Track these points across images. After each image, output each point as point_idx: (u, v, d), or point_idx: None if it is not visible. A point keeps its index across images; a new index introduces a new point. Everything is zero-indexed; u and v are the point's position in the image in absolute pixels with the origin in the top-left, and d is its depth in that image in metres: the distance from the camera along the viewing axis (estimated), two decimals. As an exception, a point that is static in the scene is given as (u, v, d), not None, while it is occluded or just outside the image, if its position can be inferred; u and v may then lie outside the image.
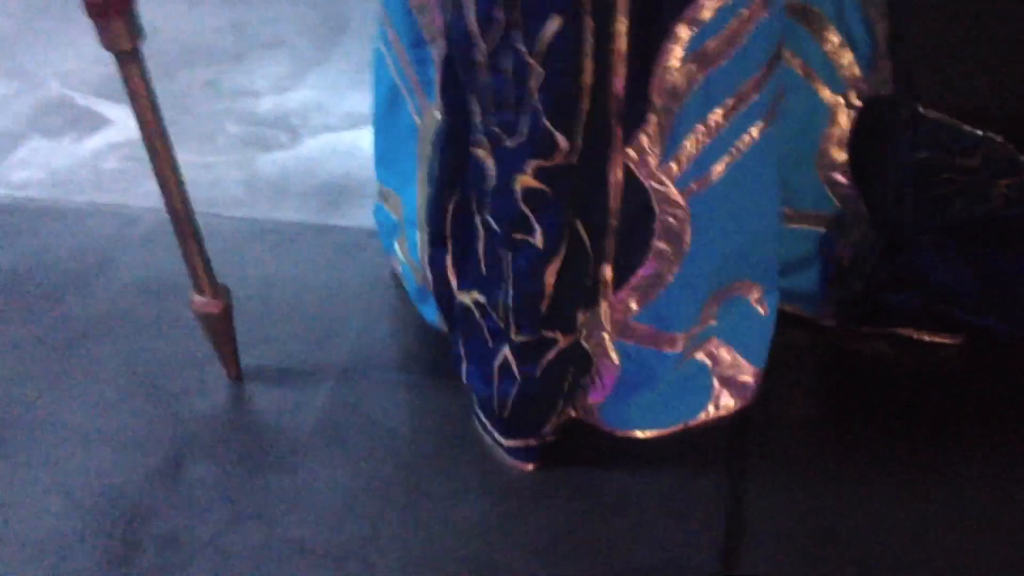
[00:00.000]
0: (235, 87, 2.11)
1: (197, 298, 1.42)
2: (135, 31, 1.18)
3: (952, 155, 1.60)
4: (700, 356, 1.36)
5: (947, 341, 1.47)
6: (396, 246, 1.56)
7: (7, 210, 1.82)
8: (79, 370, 1.53)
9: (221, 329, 1.45)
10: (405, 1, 1.26)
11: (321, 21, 2.28)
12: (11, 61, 2.21)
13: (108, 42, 1.18)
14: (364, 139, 1.95)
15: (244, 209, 1.81)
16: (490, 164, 1.16)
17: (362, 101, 2.04)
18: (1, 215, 1.81)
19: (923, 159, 1.50)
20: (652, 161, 1.17)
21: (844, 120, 1.32)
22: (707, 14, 1.07)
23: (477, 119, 1.15)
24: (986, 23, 1.79)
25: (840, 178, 1.37)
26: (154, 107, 1.24)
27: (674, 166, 1.18)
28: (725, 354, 1.36)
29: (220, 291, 1.42)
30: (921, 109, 1.57)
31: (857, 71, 1.29)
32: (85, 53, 2.17)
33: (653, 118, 1.14)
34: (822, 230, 1.43)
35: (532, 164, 1.13)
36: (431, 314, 1.48)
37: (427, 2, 1.21)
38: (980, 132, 1.64)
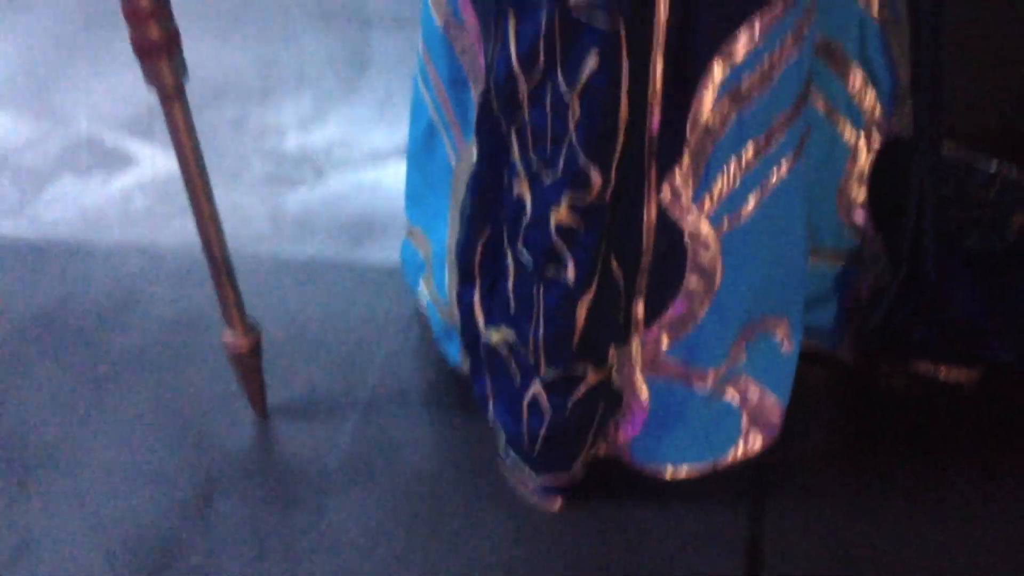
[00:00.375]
0: (261, 124, 2.14)
1: (228, 334, 1.43)
2: (179, 70, 1.20)
3: (968, 187, 1.60)
4: (730, 394, 1.36)
5: (963, 379, 1.47)
6: (421, 284, 1.57)
7: (38, 249, 1.85)
8: (109, 407, 1.55)
9: (250, 365, 1.46)
10: (446, 40, 1.28)
11: (345, 57, 2.31)
12: (42, 100, 2.25)
13: (153, 81, 1.20)
14: (388, 175, 1.97)
15: (270, 245, 1.84)
16: (527, 198, 1.18)
17: (385, 137, 2.07)
18: (32, 254, 1.83)
19: (940, 193, 1.50)
20: (685, 199, 1.18)
21: (864, 159, 1.33)
22: (741, 52, 1.09)
23: (516, 155, 1.17)
24: (1004, 46, 1.80)
25: (859, 216, 1.38)
26: (195, 145, 1.26)
27: (706, 203, 1.19)
28: (753, 391, 1.36)
29: (251, 327, 1.44)
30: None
31: (879, 110, 1.30)
32: (115, 92, 2.20)
33: (687, 156, 1.15)
34: (840, 267, 1.44)
35: (567, 199, 1.15)
36: (454, 354, 1.49)
37: (469, 42, 1.24)
38: (995, 162, 1.64)
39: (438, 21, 1.29)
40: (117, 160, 2.07)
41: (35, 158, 2.09)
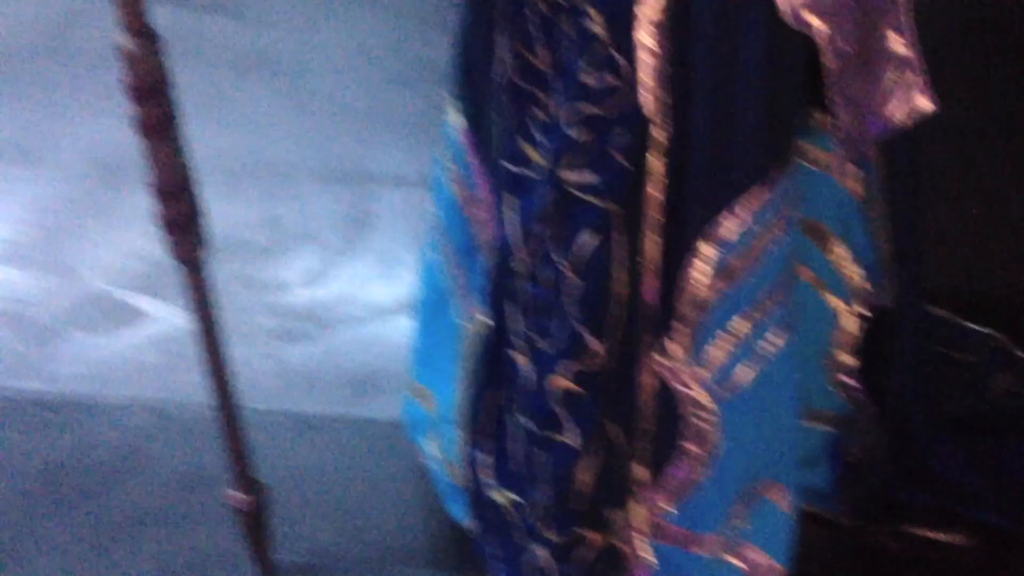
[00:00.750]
0: (267, 280, 2.20)
1: (234, 492, 1.44)
2: (203, 242, 1.26)
3: (951, 352, 1.66)
4: (732, 560, 1.37)
5: (957, 542, 1.49)
6: (427, 443, 1.60)
7: (46, 406, 1.86)
8: (112, 568, 1.55)
9: (256, 524, 1.47)
10: (461, 211, 1.36)
11: (349, 215, 2.38)
12: (53, 257, 2.30)
13: (176, 252, 1.25)
14: (390, 331, 2.02)
15: (274, 400, 1.86)
16: (527, 367, 1.23)
17: (387, 293, 2.12)
18: (40, 411, 1.85)
19: (924, 359, 1.55)
20: (680, 367, 1.23)
21: (852, 326, 1.38)
22: (727, 234, 1.16)
23: (518, 324, 1.23)
24: (983, 217, 1.88)
25: (849, 381, 1.42)
26: (213, 310, 1.31)
27: (702, 372, 1.23)
28: (755, 557, 1.37)
29: (257, 485, 1.45)
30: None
31: (863, 282, 1.35)
32: (124, 248, 2.26)
33: (680, 327, 1.21)
34: (832, 429, 1.47)
35: (566, 368, 1.20)
36: (459, 512, 1.51)
37: (483, 215, 1.31)
38: (978, 328, 1.70)
39: (455, 194, 1.37)
40: (126, 315, 2.11)
41: (44, 313, 2.13)
